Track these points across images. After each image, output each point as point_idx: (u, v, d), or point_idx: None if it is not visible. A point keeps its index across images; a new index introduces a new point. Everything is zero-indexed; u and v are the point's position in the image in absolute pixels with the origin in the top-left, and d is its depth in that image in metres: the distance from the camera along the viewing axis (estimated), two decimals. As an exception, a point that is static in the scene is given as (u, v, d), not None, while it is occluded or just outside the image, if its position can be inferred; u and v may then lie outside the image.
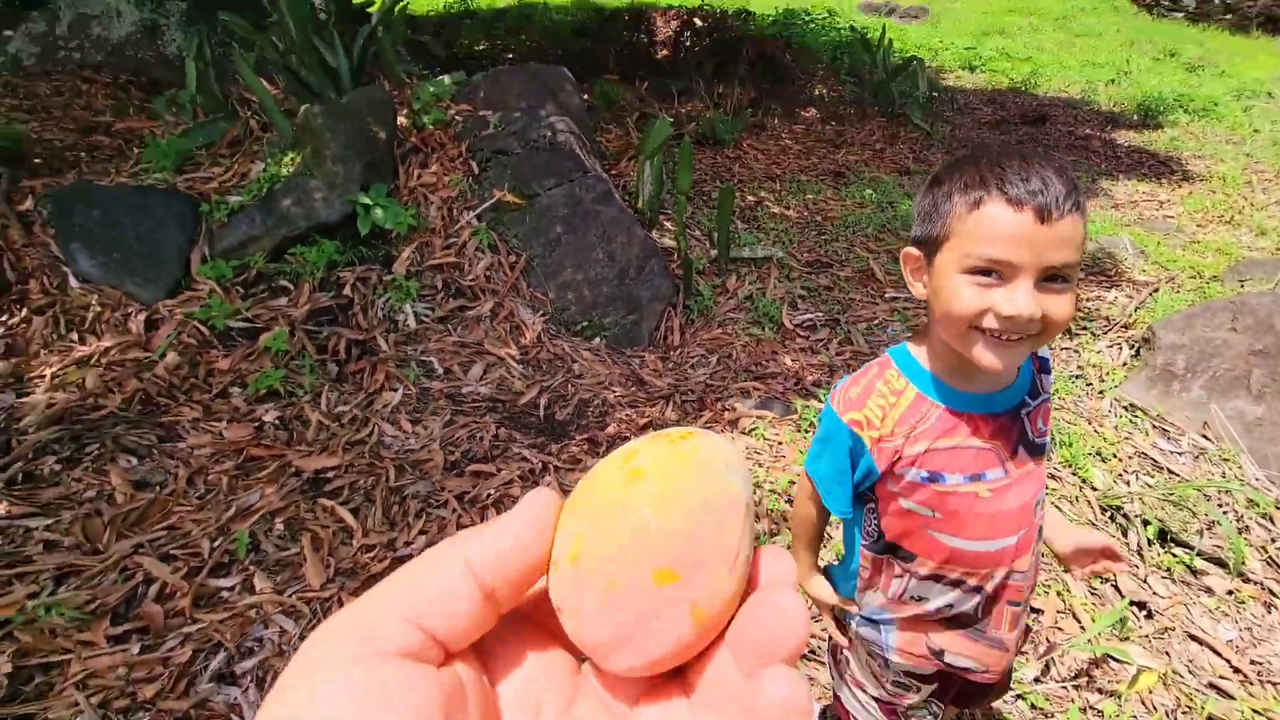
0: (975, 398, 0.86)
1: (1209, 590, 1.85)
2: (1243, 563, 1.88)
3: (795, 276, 3.38)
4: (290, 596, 1.71)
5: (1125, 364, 2.72)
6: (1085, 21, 9.87)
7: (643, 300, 2.95)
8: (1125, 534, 2.01)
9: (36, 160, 2.91)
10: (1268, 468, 2.20)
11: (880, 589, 0.97)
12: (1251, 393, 2.32)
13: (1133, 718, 1.54)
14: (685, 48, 6.65)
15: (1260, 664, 1.66)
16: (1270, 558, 1.93)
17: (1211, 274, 3.42)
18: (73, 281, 2.49)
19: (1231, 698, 1.57)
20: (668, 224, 3.63)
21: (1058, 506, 2.08)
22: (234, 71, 3.46)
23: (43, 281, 2.48)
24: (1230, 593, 1.84)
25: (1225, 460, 2.24)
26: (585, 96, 4.30)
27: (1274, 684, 1.61)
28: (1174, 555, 1.93)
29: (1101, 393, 2.58)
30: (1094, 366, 2.73)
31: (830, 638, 1.12)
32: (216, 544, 1.81)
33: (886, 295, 3.27)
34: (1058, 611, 1.79)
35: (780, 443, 2.37)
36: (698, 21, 7.10)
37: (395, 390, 2.42)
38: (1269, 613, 1.79)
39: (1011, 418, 0.87)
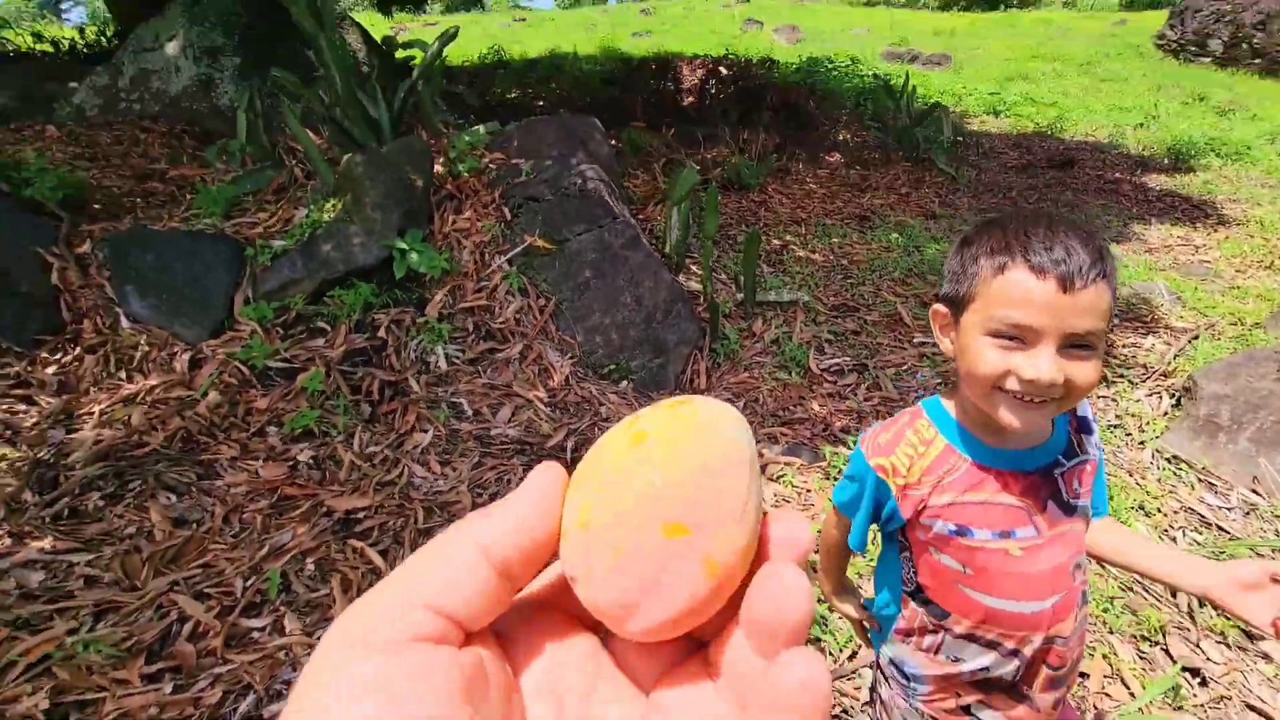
0: (1004, 454, 0.86)
1: (1266, 657, 1.76)
2: (1302, 628, 1.78)
3: (822, 320, 3.38)
4: (319, 639, 1.71)
5: (1166, 414, 2.65)
6: (1110, 67, 9.92)
7: (669, 344, 2.97)
8: (1174, 595, 1.93)
9: (96, 206, 3.08)
10: (1324, 526, 2.10)
11: (914, 644, 0.96)
12: (1302, 446, 2.24)
13: (1190, 795, 1.45)
14: (710, 95, 6.83)
15: (1327, 739, 1.56)
16: (1332, 623, 1.83)
17: (1253, 320, 3.34)
18: (124, 322, 2.60)
19: (1297, 776, 1.48)
20: (694, 268, 3.67)
21: (1100, 563, 2.01)
22: (282, 122, 3.65)
23: (96, 321, 2.59)
24: (1290, 660, 1.74)
25: (1278, 517, 2.15)
26: (613, 143, 4.43)
27: (1344, 762, 1.51)
28: (1228, 619, 1.84)
29: (1142, 443, 2.51)
30: (1133, 416, 2.66)
31: (873, 685, 1.11)
32: (249, 583, 1.84)
33: (915, 340, 3.24)
34: (1104, 676, 1.71)
35: (808, 490, 2.34)
36: (723, 70, 7.31)
37: (426, 431, 2.45)
38: (1334, 683, 1.69)
39: (1043, 476, 0.87)
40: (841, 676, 1.69)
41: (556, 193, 3.25)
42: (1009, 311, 0.75)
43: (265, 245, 2.88)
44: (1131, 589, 1.94)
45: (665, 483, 0.23)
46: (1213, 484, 2.31)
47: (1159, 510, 2.20)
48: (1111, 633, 1.81)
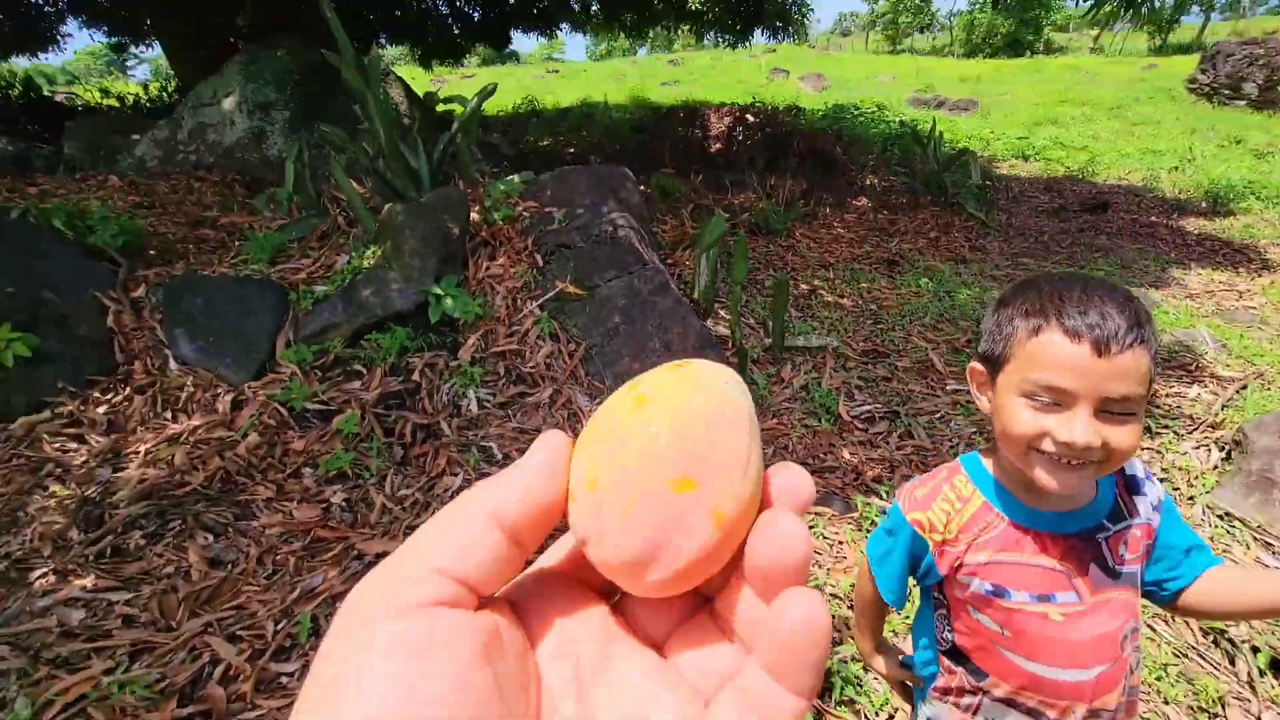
0: (1043, 515, 0.85)
1: (1340, 735, 1.64)
2: (1378, 704, 1.66)
3: (851, 366, 3.35)
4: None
5: (1216, 467, 2.55)
6: (1141, 110, 9.89)
7: (698, 388, 2.97)
8: (1233, 662, 1.82)
9: (151, 252, 3.24)
10: (1395, 592, 1.97)
11: (953, 703, 0.94)
12: (1366, 505, 2.13)
13: None
14: (738, 142, 6.98)
15: None
16: None
17: (1304, 370, 3.22)
18: (172, 364, 2.70)
19: None
20: (723, 313, 3.70)
21: (1150, 626, 1.91)
22: (327, 173, 3.82)
23: (146, 363, 2.70)
24: (1366, 740, 1.62)
25: (1343, 581, 2.03)
26: (643, 188, 4.53)
27: None
28: (1293, 690, 1.73)
29: (1192, 498, 2.41)
30: (1181, 470, 2.56)
31: None
32: (280, 626, 1.85)
33: (948, 387, 3.19)
34: (1161, 751, 1.61)
35: (840, 542, 2.29)
36: (749, 117, 7.47)
37: (456, 475, 2.47)
38: None
39: (1085, 540, 0.84)
40: (878, 742, 1.62)
41: (588, 240, 3.32)
42: (1043, 374, 0.75)
43: (308, 290, 2.99)
44: (1187, 655, 1.84)
45: (669, 440, 0.23)
46: (1270, 543, 2.20)
47: (1213, 571, 2.10)
48: (1166, 703, 1.71)
